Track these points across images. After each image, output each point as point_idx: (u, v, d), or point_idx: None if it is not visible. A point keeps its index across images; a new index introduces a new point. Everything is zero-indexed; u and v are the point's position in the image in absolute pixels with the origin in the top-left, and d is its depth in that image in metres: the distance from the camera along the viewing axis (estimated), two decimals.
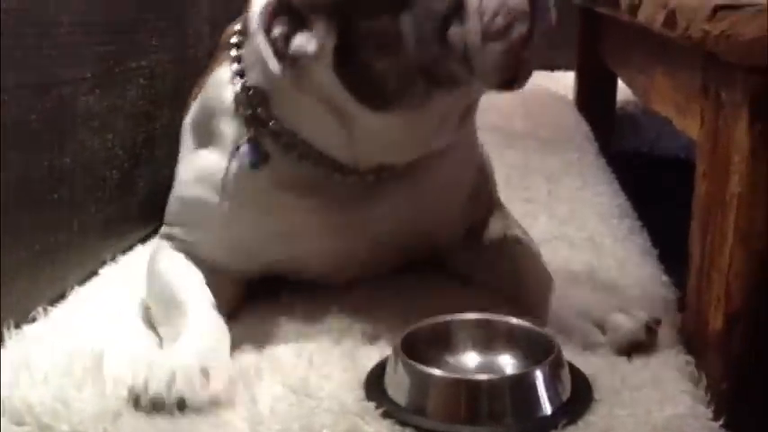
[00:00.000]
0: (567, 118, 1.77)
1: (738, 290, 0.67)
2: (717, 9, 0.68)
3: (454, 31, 0.71)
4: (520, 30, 0.70)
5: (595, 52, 1.84)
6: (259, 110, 0.78)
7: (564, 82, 2.12)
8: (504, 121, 1.64)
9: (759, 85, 0.64)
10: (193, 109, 0.85)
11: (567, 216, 1.10)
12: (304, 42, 0.72)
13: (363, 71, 0.73)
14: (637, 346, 0.73)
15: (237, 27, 0.81)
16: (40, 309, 0.81)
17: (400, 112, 0.74)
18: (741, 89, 0.66)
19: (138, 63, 0.98)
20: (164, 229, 0.86)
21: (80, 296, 0.87)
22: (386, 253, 0.87)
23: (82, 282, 0.90)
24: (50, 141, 0.81)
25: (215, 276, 0.81)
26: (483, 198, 0.93)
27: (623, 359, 0.72)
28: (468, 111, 0.82)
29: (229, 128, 0.80)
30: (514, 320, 0.72)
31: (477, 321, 0.72)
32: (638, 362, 0.72)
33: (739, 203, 0.67)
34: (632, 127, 1.98)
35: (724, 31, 0.65)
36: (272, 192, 0.79)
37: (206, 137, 0.82)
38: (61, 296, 0.86)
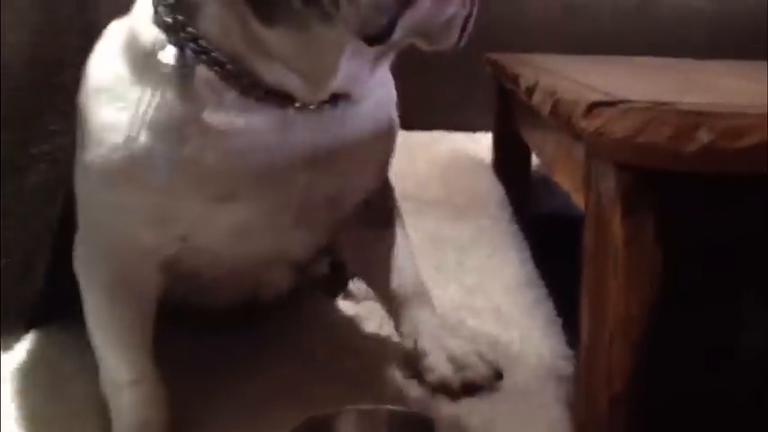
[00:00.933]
0: (483, 183, 1.81)
1: (619, 374, 0.70)
2: (593, 106, 0.72)
3: None
4: None
5: (510, 118, 1.90)
6: (179, 16, 0.73)
7: (485, 143, 2.18)
8: (419, 189, 1.68)
9: (630, 181, 0.68)
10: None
11: (475, 286, 1.14)
12: None
13: None
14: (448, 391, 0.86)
15: None
16: None
17: (282, 29, 0.70)
18: (615, 183, 0.70)
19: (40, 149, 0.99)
20: (77, 235, 0.83)
21: None
22: (311, 203, 0.82)
23: None
24: None
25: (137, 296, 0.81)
26: (385, 167, 0.92)
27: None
28: (380, 57, 0.77)
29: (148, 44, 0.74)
30: (397, 408, 0.75)
31: (360, 413, 0.73)
32: None
33: (617, 292, 0.71)
34: (547, 188, 2.05)
35: (598, 129, 0.70)
36: (185, 111, 0.73)
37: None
38: None
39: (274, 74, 0.73)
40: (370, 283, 0.99)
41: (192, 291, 0.91)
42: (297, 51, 0.72)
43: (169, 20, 0.73)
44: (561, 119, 0.81)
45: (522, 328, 1.01)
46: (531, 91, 1.04)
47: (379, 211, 0.94)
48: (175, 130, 0.73)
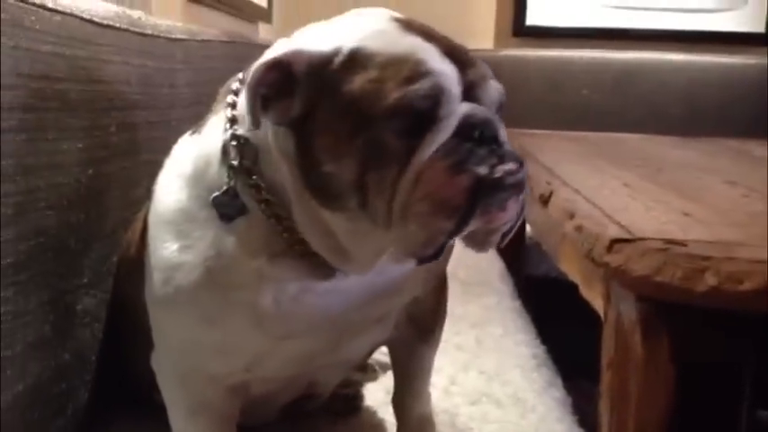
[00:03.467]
0: (483, 256, 1.95)
1: None
2: (613, 242, 0.86)
3: (391, 176, 0.69)
4: (443, 225, 0.68)
5: None
6: (245, 161, 0.76)
7: None
8: None
9: (649, 311, 0.83)
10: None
11: (493, 371, 1.27)
12: (288, 106, 0.72)
13: (313, 161, 0.72)
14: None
15: (234, 85, 0.81)
16: None
17: (337, 213, 0.73)
18: (635, 310, 0.84)
19: None
20: (154, 353, 0.87)
21: None
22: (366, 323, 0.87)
23: None
24: None
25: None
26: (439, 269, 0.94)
27: None
28: None
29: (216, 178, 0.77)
30: None
31: None
32: None
33: (637, 401, 0.84)
34: (540, 254, 2.19)
35: (620, 266, 0.84)
36: (241, 258, 0.77)
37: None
38: None
39: (318, 246, 0.76)
40: (397, 382, 1.00)
41: (257, 401, 0.93)
42: (346, 236, 0.74)
43: (236, 163, 0.76)
44: (583, 247, 0.95)
45: (537, 413, 1.14)
46: (545, 200, 1.19)
47: (429, 311, 0.97)
48: (232, 275, 0.77)
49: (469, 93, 0.73)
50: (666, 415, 0.83)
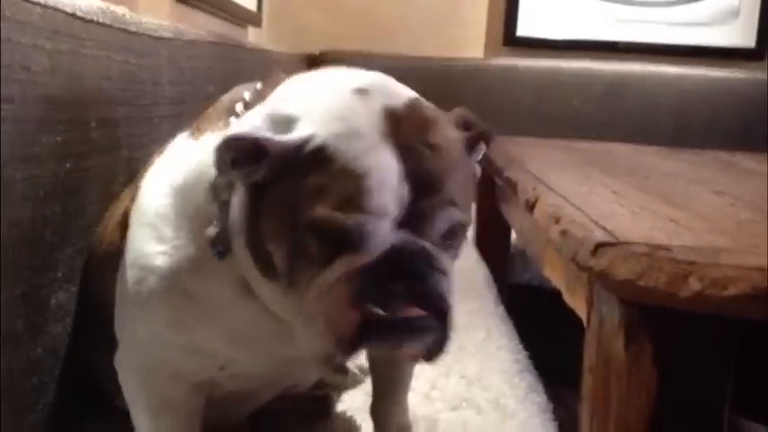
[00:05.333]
0: (468, 261, 1.95)
1: None
2: (598, 246, 0.86)
3: (308, 276, 0.70)
4: (333, 347, 0.69)
5: (491, 197, 2.04)
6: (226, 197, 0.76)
7: None
8: None
9: (632, 315, 0.82)
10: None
11: (474, 376, 1.26)
12: (253, 171, 0.71)
13: (257, 231, 0.73)
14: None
15: (246, 95, 0.82)
16: None
17: (271, 284, 0.74)
18: (618, 314, 0.83)
19: None
20: (117, 355, 0.86)
21: None
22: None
23: None
24: None
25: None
26: None
27: None
28: None
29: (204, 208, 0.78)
30: None
31: None
32: None
33: (619, 403, 0.83)
34: (525, 262, 2.19)
35: (604, 270, 0.83)
36: (226, 288, 0.78)
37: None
38: None
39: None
40: (375, 389, 1.00)
41: (226, 401, 0.92)
42: (274, 304, 0.76)
43: (220, 193, 0.76)
44: (566, 252, 0.94)
45: (518, 419, 1.13)
46: (531, 206, 1.18)
47: None
48: (207, 292, 0.78)
49: (415, 221, 0.69)
50: (648, 419, 0.82)
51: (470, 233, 2.24)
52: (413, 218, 0.69)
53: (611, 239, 0.86)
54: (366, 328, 0.68)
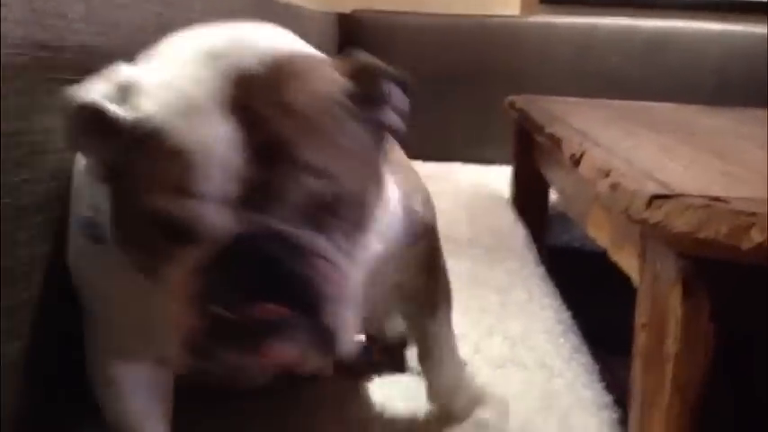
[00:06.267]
0: (506, 222, 1.92)
1: None
2: (653, 198, 0.82)
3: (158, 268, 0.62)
4: (186, 355, 0.60)
5: (529, 156, 2.00)
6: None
7: (502, 176, 2.27)
8: (449, 228, 1.78)
9: (690, 269, 0.79)
10: None
11: (519, 336, 1.23)
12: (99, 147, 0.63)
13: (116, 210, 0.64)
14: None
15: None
16: None
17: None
18: (674, 269, 0.80)
19: None
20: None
21: None
22: None
23: None
24: None
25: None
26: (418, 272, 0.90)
27: None
28: None
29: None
30: None
31: None
32: None
33: (676, 360, 0.81)
34: (564, 224, 2.16)
35: (659, 222, 0.80)
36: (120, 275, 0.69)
37: None
38: None
39: None
40: (419, 348, 0.98)
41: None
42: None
43: (90, 171, 0.68)
44: (618, 205, 0.91)
45: (565, 379, 1.11)
46: (577, 161, 1.15)
47: (422, 291, 0.93)
48: (96, 271, 0.73)
49: (262, 199, 0.58)
50: (706, 376, 0.79)
51: (505, 190, 2.21)
52: (258, 195, 0.57)
53: (665, 191, 0.83)
54: (213, 333, 0.58)
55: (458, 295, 1.35)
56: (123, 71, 0.64)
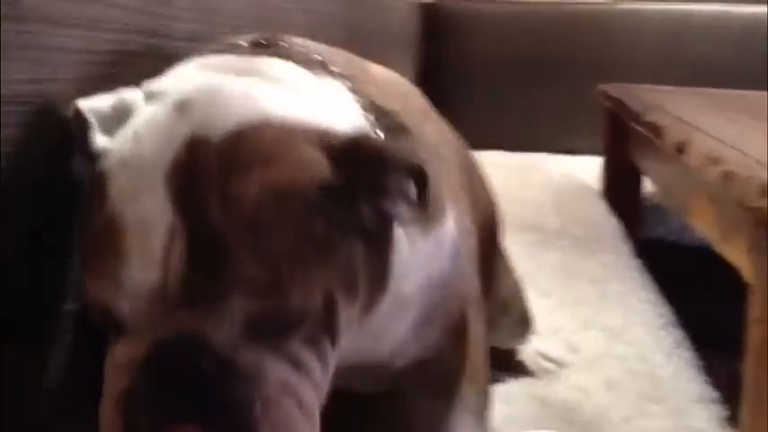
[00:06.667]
0: (597, 213, 1.88)
1: None
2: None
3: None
4: None
5: (622, 148, 1.96)
6: None
7: (591, 167, 2.23)
8: (538, 218, 1.76)
9: None
10: None
11: (617, 328, 1.20)
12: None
13: None
14: None
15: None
16: None
17: None
18: None
19: None
20: None
21: None
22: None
23: None
24: None
25: None
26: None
27: None
28: None
29: None
30: None
31: None
32: None
33: None
34: (658, 216, 2.10)
35: None
36: None
37: None
38: None
39: None
40: None
41: None
42: None
43: None
44: (730, 193, 0.88)
45: (666, 373, 1.08)
46: (680, 149, 1.11)
47: (445, 363, 0.72)
48: None
49: (202, 303, 0.49)
50: None
51: (594, 181, 2.16)
52: (195, 298, 0.49)
53: None
54: None
55: (550, 286, 1.34)
56: (128, 96, 0.58)
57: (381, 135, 0.59)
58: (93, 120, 0.55)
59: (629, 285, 1.39)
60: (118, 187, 0.51)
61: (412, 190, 0.54)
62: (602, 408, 0.98)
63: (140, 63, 0.78)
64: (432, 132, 0.73)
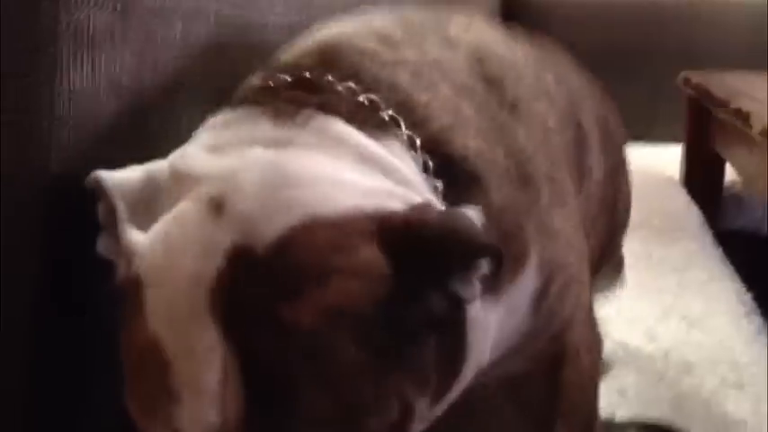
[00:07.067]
0: (678, 203, 1.86)
1: None
2: None
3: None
4: None
5: (705, 136, 1.93)
6: None
7: (671, 156, 2.20)
8: None
9: None
10: None
11: (697, 316, 1.20)
12: None
13: None
14: None
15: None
16: None
17: None
18: None
19: None
20: None
21: None
22: None
23: None
24: None
25: None
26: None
27: None
28: None
29: None
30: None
31: None
32: None
33: None
34: (738, 205, 2.07)
35: None
36: None
37: None
38: None
39: None
40: None
41: None
42: None
43: None
44: None
45: (752, 358, 1.07)
46: None
47: (541, 393, 0.67)
48: None
49: None
50: None
51: (674, 171, 2.13)
52: None
53: None
54: None
55: (630, 275, 1.34)
56: (156, 171, 0.51)
57: (441, 196, 0.52)
58: (121, 205, 0.49)
59: (711, 274, 1.38)
60: (156, 304, 0.45)
61: (484, 266, 0.47)
62: (681, 394, 0.98)
63: (234, 55, 0.81)
64: (526, 103, 0.63)
